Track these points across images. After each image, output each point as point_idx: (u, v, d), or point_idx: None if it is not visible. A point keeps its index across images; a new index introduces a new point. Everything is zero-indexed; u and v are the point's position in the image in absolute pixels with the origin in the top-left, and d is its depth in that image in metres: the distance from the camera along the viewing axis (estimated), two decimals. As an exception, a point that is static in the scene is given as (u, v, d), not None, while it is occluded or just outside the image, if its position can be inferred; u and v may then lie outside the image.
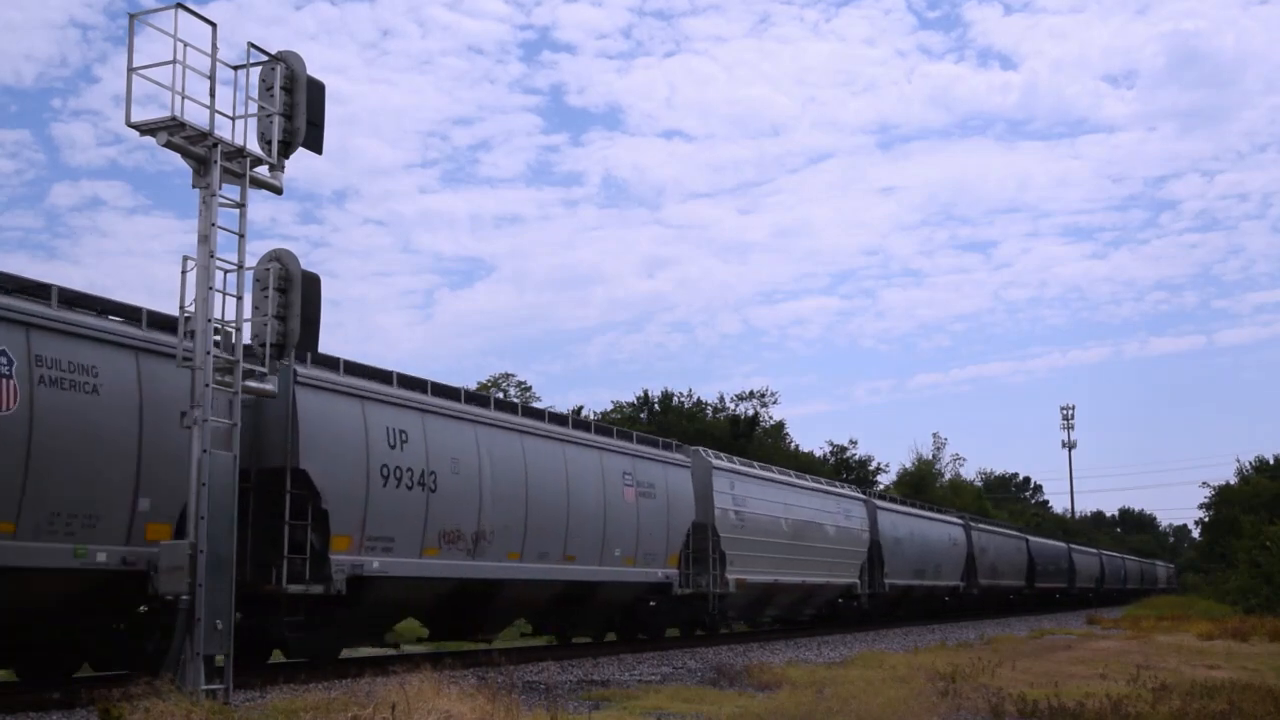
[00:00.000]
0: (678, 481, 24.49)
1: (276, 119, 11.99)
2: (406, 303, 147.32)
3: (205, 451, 11.00)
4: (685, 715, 11.65)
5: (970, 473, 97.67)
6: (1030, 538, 57.51)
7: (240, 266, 11.68)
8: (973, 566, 45.63)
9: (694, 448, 27.25)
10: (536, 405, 34.39)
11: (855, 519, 34.22)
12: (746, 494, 27.50)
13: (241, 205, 11.79)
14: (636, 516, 22.41)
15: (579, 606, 21.56)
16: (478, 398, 19.39)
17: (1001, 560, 50.26)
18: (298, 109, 12.17)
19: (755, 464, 30.44)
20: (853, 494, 35.75)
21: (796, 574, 29.41)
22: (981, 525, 49.53)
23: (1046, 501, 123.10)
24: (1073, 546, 68.68)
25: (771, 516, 28.58)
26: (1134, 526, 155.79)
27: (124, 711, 9.34)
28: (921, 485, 71.78)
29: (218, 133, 11.51)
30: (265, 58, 12.04)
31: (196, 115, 11.34)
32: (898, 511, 39.40)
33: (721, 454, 28.81)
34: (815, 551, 30.57)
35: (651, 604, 23.90)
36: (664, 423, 54.86)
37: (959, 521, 46.27)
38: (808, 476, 34.19)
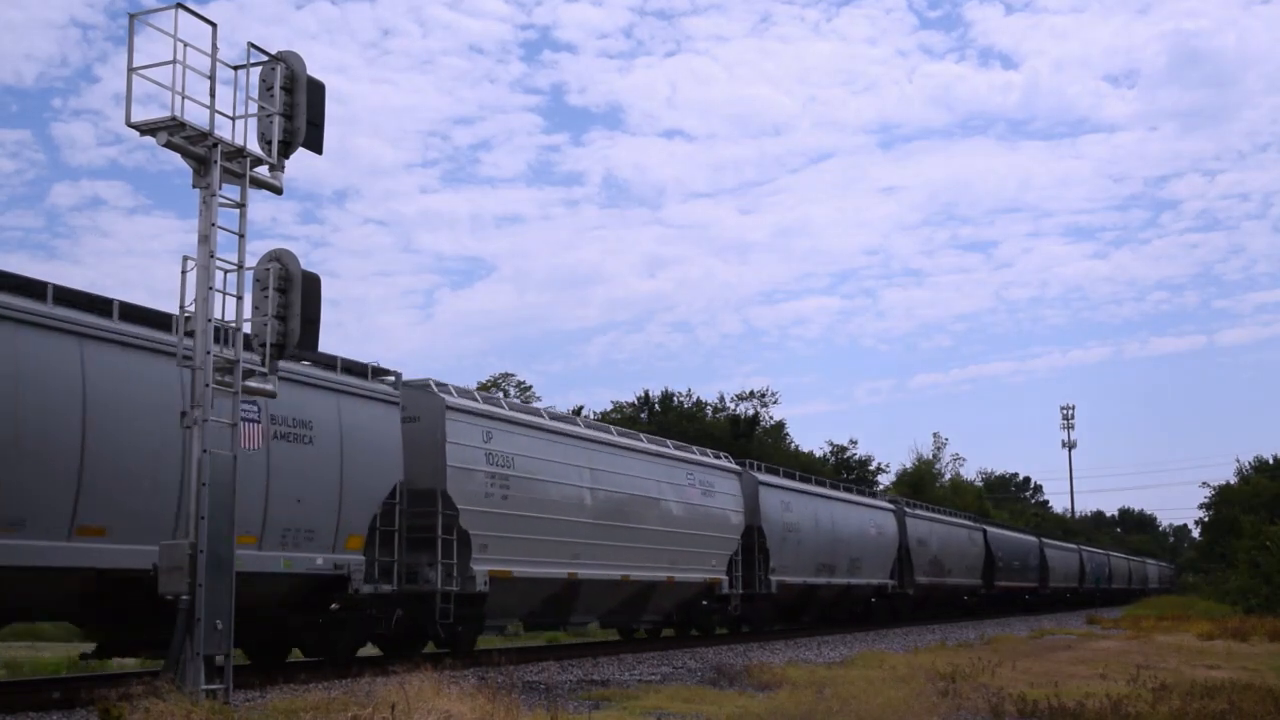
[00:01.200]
0: (365, 424, 16.37)
1: (276, 119, 11.99)
2: (407, 303, 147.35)
3: (205, 451, 10.99)
4: (685, 715, 11.66)
5: (970, 473, 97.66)
6: (989, 529, 49.89)
7: (240, 266, 11.67)
8: (907, 562, 38.31)
9: (420, 380, 18.91)
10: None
11: (722, 497, 26.86)
12: (515, 450, 19.79)
13: (241, 205, 11.79)
14: (265, 470, 14.65)
15: (140, 607, 12.96)
16: None
17: (949, 555, 42.48)
18: (298, 109, 12.16)
19: (543, 412, 22.80)
20: (719, 463, 27.74)
21: (613, 567, 22.13)
22: (920, 512, 41.50)
23: (1047, 501, 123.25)
24: (1045, 541, 60.69)
25: (567, 485, 21.15)
26: (1134, 526, 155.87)
27: (124, 711, 9.35)
28: (921, 485, 71.80)
29: (218, 133, 11.51)
30: (265, 58, 12.03)
31: (196, 115, 11.34)
32: (793, 489, 31.51)
33: (475, 392, 20.74)
34: (648, 537, 23.36)
35: (335, 606, 16.27)
36: (664, 422, 54.89)
37: (888, 507, 38.90)
38: (642, 436, 26.11)
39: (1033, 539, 58.50)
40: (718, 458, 28.26)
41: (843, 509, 34.32)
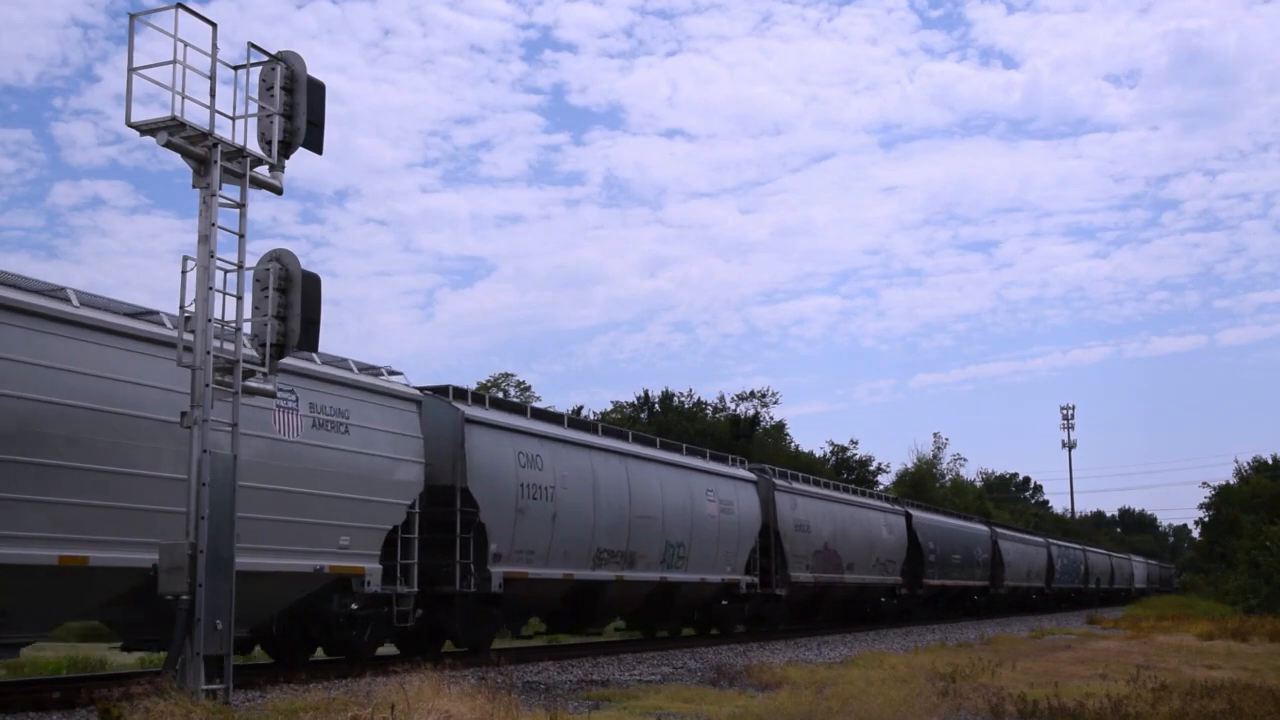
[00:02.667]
0: None
1: (276, 119, 11.99)
2: (407, 302, 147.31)
3: (205, 451, 11.00)
4: (685, 715, 11.65)
5: (970, 473, 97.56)
6: (915, 513, 40.07)
7: (240, 266, 11.68)
8: (777, 553, 28.64)
9: None
10: (537, 405, 31.58)
11: (374, 436, 16.22)
12: None
13: (241, 205, 11.80)
14: None
15: None
16: None
17: (849, 545, 32.83)
18: (298, 109, 12.17)
19: None
20: (378, 383, 16.79)
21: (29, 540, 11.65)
22: (800, 486, 31.37)
23: (1047, 501, 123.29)
24: (1001, 531, 50.99)
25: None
26: (1134, 526, 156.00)
27: (124, 711, 9.35)
28: (922, 485, 71.79)
29: (218, 133, 11.52)
30: (265, 58, 12.04)
31: (197, 115, 11.35)
32: (526, 433, 19.79)
33: None
34: (126, 487, 12.61)
35: None
36: (664, 423, 54.89)
37: (745, 475, 28.37)
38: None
39: (982, 528, 48.69)
40: (383, 373, 17.22)
41: (646, 471, 23.40)
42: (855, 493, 37.13)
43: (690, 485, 25.08)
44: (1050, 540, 61.16)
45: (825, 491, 33.38)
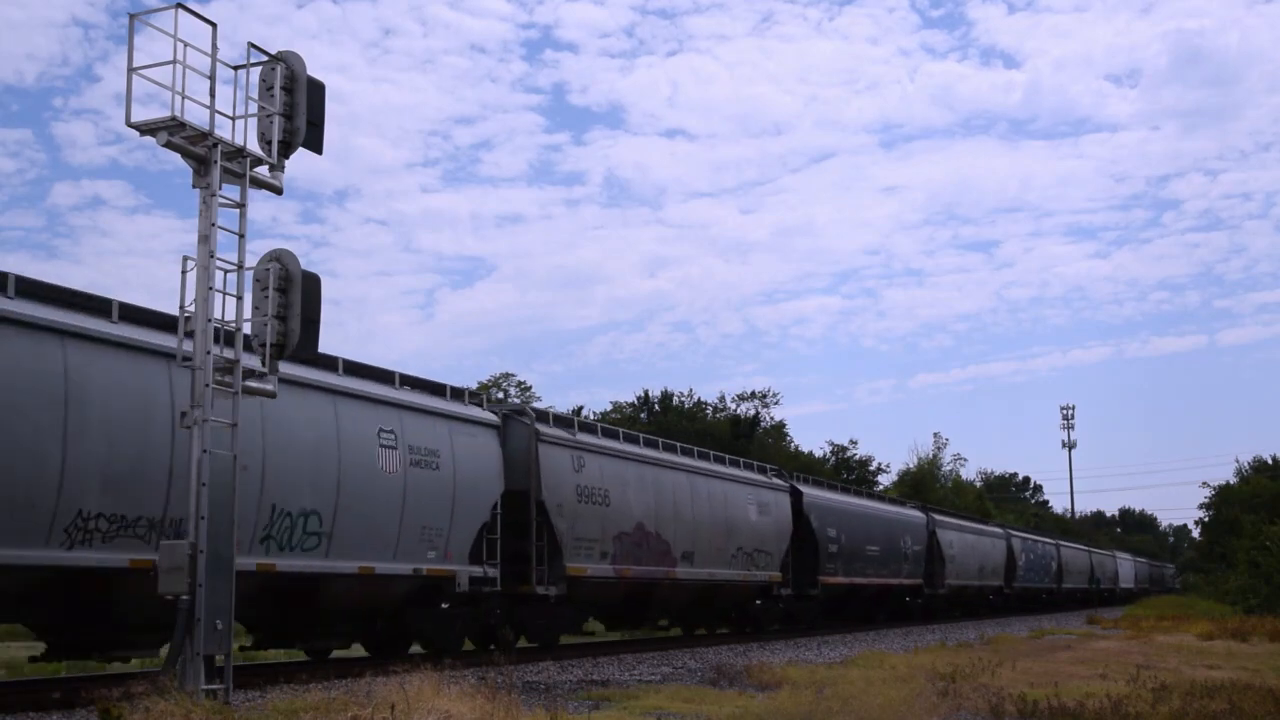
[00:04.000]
0: None
1: (276, 119, 11.99)
2: (407, 302, 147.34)
3: (205, 451, 10.99)
4: (685, 715, 11.65)
5: (970, 473, 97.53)
6: (808, 491, 30.99)
7: (240, 266, 11.67)
8: (546, 535, 19.77)
9: None
10: (538, 406, 30.79)
11: None
12: None
13: (241, 205, 11.79)
14: None
15: None
16: None
17: (679, 525, 23.67)
18: (298, 109, 12.16)
19: None
20: None
21: None
22: (586, 439, 21.50)
23: (1047, 501, 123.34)
24: (941, 519, 41.76)
25: None
26: (1134, 526, 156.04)
27: (124, 711, 9.34)
28: (923, 485, 71.82)
29: (218, 133, 11.51)
30: (265, 58, 12.03)
31: (196, 115, 11.34)
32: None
33: None
34: None
35: None
36: (664, 423, 54.90)
37: (482, 418, 19.02)
38: None
39: (916, 515, 39.68)
40: None
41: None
42: (703, 456, 26.60)
43: (339, 419, 15.67)
44: (1012, 532, 52.43)
45: (642, 450, 23.42)
